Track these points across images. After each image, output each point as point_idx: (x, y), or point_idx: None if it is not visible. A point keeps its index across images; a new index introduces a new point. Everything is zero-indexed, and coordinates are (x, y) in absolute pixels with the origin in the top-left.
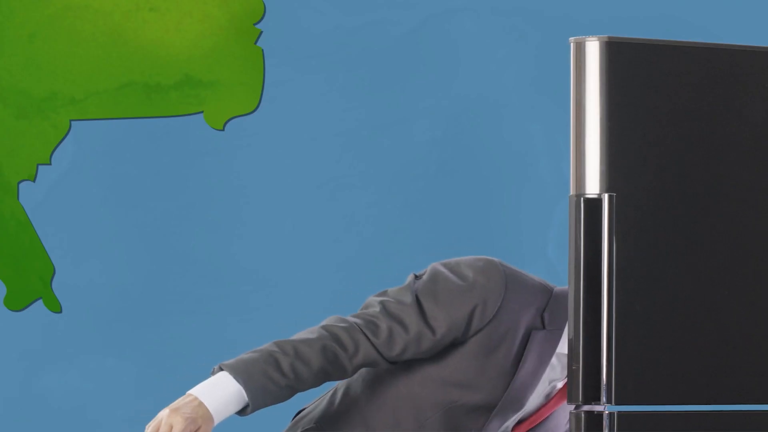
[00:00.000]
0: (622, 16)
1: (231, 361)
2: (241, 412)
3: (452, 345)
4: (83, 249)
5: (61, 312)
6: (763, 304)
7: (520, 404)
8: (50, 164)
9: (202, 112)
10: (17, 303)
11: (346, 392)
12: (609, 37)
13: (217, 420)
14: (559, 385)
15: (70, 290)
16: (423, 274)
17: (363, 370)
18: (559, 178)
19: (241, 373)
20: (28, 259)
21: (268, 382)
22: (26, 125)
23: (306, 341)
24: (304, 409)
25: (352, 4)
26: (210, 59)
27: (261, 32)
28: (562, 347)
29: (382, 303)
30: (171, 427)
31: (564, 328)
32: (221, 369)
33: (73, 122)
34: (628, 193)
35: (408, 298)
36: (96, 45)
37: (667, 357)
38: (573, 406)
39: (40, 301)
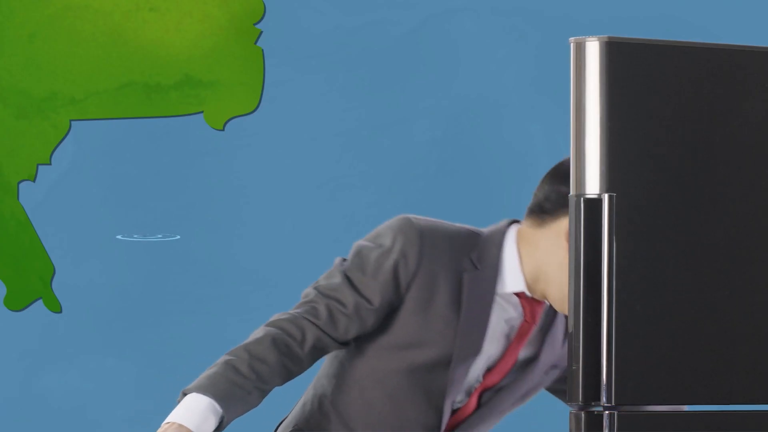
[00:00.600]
0: (622, 16)
1: (192, 383)
2: (219, 426)
3: (392, 310)
4: (83, 249)
5: (61, 312)
6: (763, 304)
7: (476, 348)
8: (50, 164)
9: (202, 112)
10: (17, 303)
11: (315, 391)
12: (609, 37)
13: None
14: (517, 324)
15: (70, 290)
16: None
17: (325, 366)
18: None
19: (206, 388)
20: (28, 259)
21: (233, 388)
22: (26, 125)
23: (256, 341)
24: (285, 419)
25: (352, 4)
26: (210, 59)
27: (261, 32)
28: (503, 287)
29: (316, 288)
30: None
31: (498, 266)
32: (185, 394)
33: (73, 122)
34: (628, 193)
35: (338, 278)
36: (96, 45)
37: (667, 357)
38: (573, 406)
39: (40, 301)
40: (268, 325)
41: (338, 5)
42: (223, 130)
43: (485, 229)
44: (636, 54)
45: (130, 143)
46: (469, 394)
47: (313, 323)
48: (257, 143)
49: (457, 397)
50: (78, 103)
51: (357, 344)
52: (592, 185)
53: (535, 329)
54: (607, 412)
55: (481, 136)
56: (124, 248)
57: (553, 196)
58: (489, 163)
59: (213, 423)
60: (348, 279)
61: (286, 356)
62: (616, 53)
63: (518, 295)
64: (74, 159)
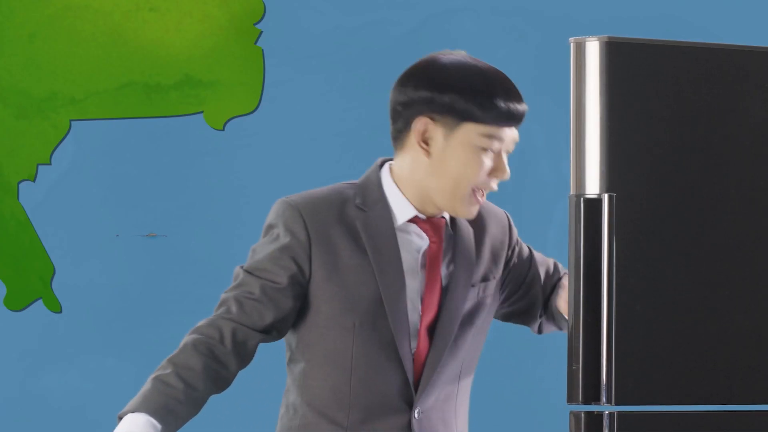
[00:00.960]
0: (622, 16)
1: (125, 407)
2: None
3: (306, 289)
4: (83, 249)
5: (61, 312)
6: (763, 304)
7: (400, 282)
8: (50, 164)
9: (202, 112)
10: (17, 303)
11: (286, 401)
12: (609, 37)
13: None
14: (425, 247)
15: (70, 290)
16: None
17: (288, 379)
18: (559, 178)
19: (139, 406)
20: (28, 259)
21: (166, 399)
22: (26, 125)
23: (178, 351)
24: None
25: (352, 4)
26: (210, 59)
27: (261, 32)
28: (396, 220)
29: (224, 291)
30: None
31: (385, 202)
32: (121, 418)
33: (73, 122)
34: (628, 193)
35: (241, 275)
36: (96, 45)
37: (667, 357)
38: (573, 406)
39: (40, 301)
40: (190, 332)
41: (338, 5)
42: (223, 130)
43: (361, 178)
44: (636, 54)
45: (130, 143)
46: (417, 335)
47: (227, 318)
48: (257, 143)
49: (411, 343)
50: (78, 103)
51: (300, 340)
52: (592, 185)
53: (444, 249)
54: (607, 412)
55: None
56: (124, 248)
57: (399, 109)
58: None
59: None
60: (249, 272)
61: (210, 358)
62: (616, 53)
63: (414, 222)
64: (74, 159)
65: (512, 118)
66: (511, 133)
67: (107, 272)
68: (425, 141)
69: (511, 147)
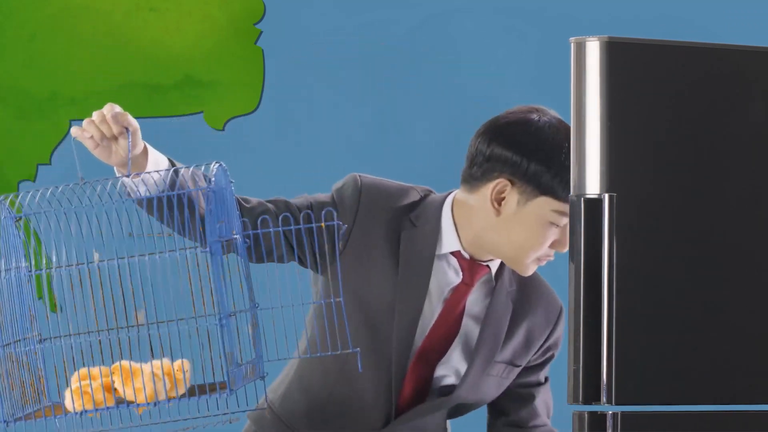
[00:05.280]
0: (622, 16)
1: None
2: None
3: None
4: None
5: (57, 311)
6: (763, 304)
7: (418, 307)
8: (50, 164)
9: (202, 112)
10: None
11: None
12: (609, 37)
13: (148, 155)
14: (455, 283)
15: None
16: None
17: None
18: None
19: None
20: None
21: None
22: (26, 125)
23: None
24: None
25: (352, 4)
26: (210, 59)
27: (261, 32)
28: (441, 248)
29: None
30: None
31: (437, 227)
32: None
33: (73, 122)
34: (628, 193)
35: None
36: (96, 45)
37: (667, 357)
38: (574, 406)
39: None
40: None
41: (338, 5)
42: (223, 130)
43: (435, 194)
44: (636, 54)
45: None
46: (413, 357)
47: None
48: (257, 143)
49: (407, 362)
50: (78, 103)
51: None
52: (592, 185)
53: (475, 300)
54: (611, 412)
55: None
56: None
57: (480, 159)
58: None
59: (164, 160)
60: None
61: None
62: (616, 53)
63: (456, 256)
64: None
65: None
66: None
67: None
68: (498, 201)
69: None
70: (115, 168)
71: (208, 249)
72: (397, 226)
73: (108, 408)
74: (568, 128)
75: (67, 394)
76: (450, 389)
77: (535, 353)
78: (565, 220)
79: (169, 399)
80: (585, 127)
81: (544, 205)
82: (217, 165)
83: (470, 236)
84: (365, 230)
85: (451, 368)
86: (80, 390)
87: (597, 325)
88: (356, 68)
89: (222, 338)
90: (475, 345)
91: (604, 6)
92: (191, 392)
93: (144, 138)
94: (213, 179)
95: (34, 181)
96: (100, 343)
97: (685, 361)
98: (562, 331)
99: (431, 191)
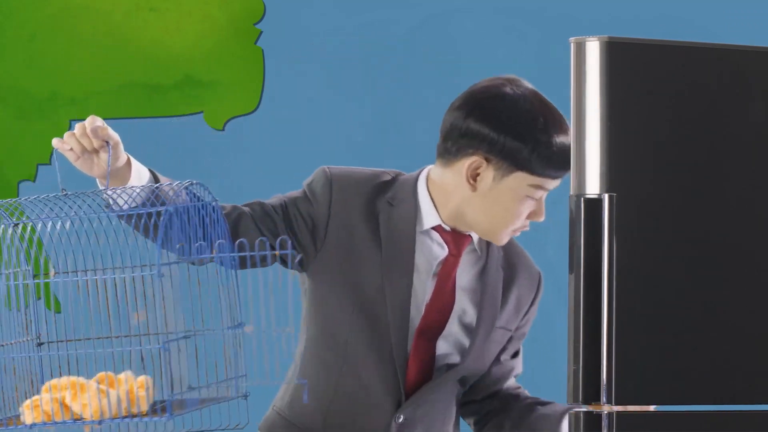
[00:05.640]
0: (622, 16)
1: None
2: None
3: (316, 249)
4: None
5: (60, 312)
6: (763, 304)
7: (407, 280)
8: (50, 164)
9: (202, 112)
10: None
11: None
12: (609, 37)
13: (131, 167)
14: (442, 256)
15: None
16: None
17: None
18: None
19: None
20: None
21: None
22: (26, 125)
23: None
24: None
25: (352, 4)
26: (210, 59)
27: (261, 32)
28: (422, 225)
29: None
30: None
31: (415, 205)
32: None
33: (73, 122)
34: (628, 193)
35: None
36: (96, 45)
37: (667, 357)
38: (573, 406)
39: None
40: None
41: (338, 5)
42: (223, 130)
43: (406, 174)
44: (636, 54)
45: (130, 143)
46: (413, 337)
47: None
48: (257, 143)
49: (408, 343)
50: (78, 103)
51: (307, 311)
52: (592, 185)
53: (466, 269)
54: (606, 412)
55: None
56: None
57: (455, 134)
58: None
59: (145, 172)
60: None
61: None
62: (616, 53)
63: (438, 230)
64: None
65: (566, 171)
66: (557, 182)
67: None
68: (473, 177)
69: (551, 189)
70: (97, 180)
71: (156, 271)
72: (374, 209)
73: (55, 423)
74: (543, 99)
75: (24, 407)
76: (454, 365)
77: (522, 318)
78: (542, 193)
79: (113, 418)
80: (585, 127)
81: (520, 180)
82: (196, 184)
83: (448, 210)
84: (343, 220)
85: (451, 342)
86: (33, 403)
87: (597, 325)
88: (356, 68)
89: (162, 362)
90: (477, 313)
91: (604, 6)
92: (153, 410)
93: (144, 138)
94: (183, 198)
95: (34, 181)
96: (68, 356)
97: (685, 361)
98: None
99: (401, 173)
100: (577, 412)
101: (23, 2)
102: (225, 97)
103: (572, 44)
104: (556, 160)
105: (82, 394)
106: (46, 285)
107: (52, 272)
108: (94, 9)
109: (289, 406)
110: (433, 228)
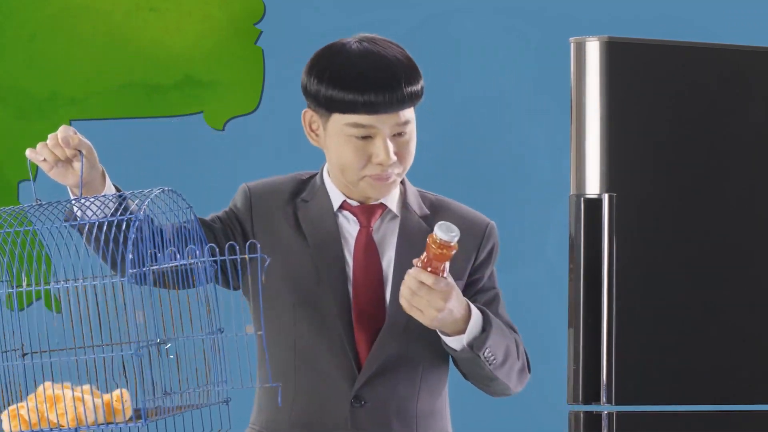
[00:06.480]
0: (622, 16)
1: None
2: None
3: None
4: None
5: (60, 312)
6: (763, 304)
7: (340, 263)
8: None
9: (202, 112)
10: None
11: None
12: (609, 37)
13: (105, 179)
14: (356, 232)
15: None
16: None
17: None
18: (559, 178)
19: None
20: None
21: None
22: (26, 125)
23: None
24: None
25: (352, 4)
26: (210, 59)
27: (261, 32)
28: (334, 205)
29: None
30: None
31: (326, 193)
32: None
33: (73, 122)
34: (628, 193)
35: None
36: (96, 45)
37: (667, 357)
38: (573, 406)
39: (40, 301)
40: None
41: (338, 5)
42: (223, 130)
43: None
44: (636, 54)
45: (130, 143)
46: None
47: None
48: (257, 143)
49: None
50: (78, 103)
51: (254, 316)
52: (592, 185)
53: (385, 236)
54: (606, 411)
55: (481, 136)
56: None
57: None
58: (489, 163)
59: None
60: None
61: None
62: (616, 53)
63: (346, 207)
64: None
65: (378, 108)
66: (389, 119)
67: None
68: (315, 132)
69: (396, 130)
70: (68, 189)
71: (126, 278)
72: (293, 210)
73: (32, 431)
74: (380, 55)
75: (3, 415)
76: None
77: (471, 267)
78: (364, 132)
79: (89, 425)
80: (585, 127)
81: (338, 121)
82: (168, 191)
83: (337, 182)
84: (267, 227)
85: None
86: (11, 412)
87: (597, 325)
88: None
89: (134, 368)
90: (394, 266)
91: (604, 6)
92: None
93: (144, 138)
94: (144, 208)
95: (34, 181)
96: (50, 365)
97: (685, 361)
98: (497, 246)
99: (317, 172)
100: (577, 412)
101: (23, 2)
102: (225, 97)
103: (572, 44)
104: (361, 101)
105: (59, 404)
106: (19, 295)
107: (24, 283)
108: (94, 9)
109: (264, 421)
110: (341, 207)
